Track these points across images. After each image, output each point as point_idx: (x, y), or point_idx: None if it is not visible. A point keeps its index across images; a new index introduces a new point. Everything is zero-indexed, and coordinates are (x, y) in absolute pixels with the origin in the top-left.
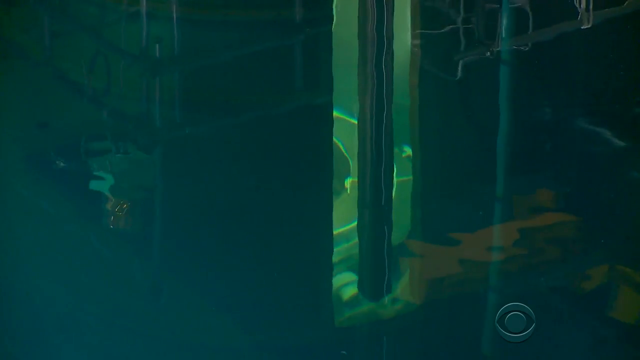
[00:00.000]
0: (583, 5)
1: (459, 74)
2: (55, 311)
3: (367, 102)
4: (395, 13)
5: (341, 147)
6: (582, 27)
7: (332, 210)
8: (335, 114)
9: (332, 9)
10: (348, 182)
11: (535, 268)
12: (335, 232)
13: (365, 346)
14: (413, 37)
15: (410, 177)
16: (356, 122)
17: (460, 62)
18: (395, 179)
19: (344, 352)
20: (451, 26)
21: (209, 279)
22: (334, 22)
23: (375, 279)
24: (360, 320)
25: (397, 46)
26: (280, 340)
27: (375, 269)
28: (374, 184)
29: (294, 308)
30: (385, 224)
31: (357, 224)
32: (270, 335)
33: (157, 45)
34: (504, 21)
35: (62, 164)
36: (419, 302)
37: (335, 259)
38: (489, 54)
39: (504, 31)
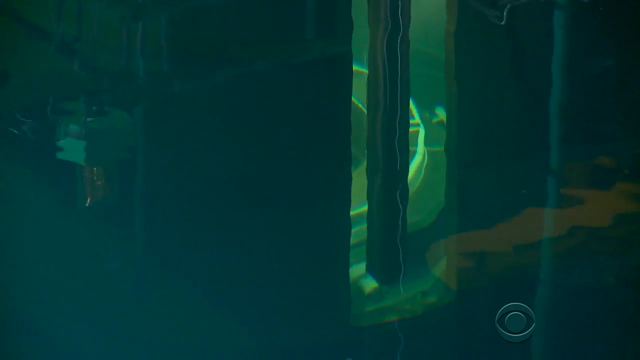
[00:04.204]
0: None
1: (505, 19)
2: (18, 295)
3: (378, 49)
4: None
5: (361, 106)
6: None
7: (350, 184)
8: (355, 67)
9: None
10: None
11: (593, 253)
12: (353, 212)
13: (391, 347)
14: None
15: (443, 147)
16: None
17: (508, 6)
18: (425, 149)
19: (349, 359)
20: None
21: (203, 267)
22: None
23: (386, 258)
24: (385, 316)
25: None
26: (290, 339)
27: (387, 246)
28: (387, 147)
29: (304, 301)
30: (400, 195)
31: (367, 194)
32: (279, 333)
33: None
34: None
35: (25, 126)
36: (454, 295)
37: (354, 242)
38: None
39: None
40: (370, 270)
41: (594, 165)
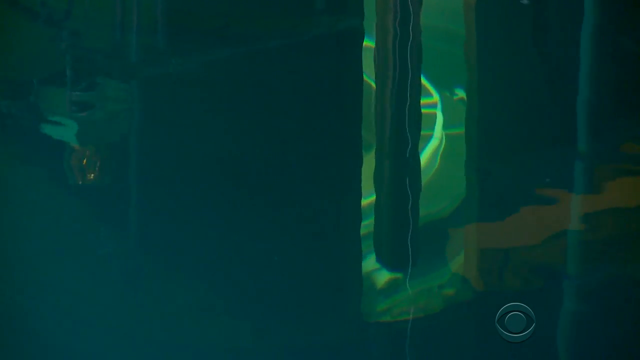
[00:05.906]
0: None
1: None
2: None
3: (387, 19)
4: None
5: (373, 84)
6: None
7: (361, 170)
8: (366, 43)
9: None
10: None
11: (624, 245)
12: (364, 201)
13: (405, 345)
14: None
15: (463, 130)
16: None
17: None
18: (442, 132)
19: None
20: None
21: (203, 261)
22: None
23: (395, 244)
24: (399, 312)
25: None
26: (296, 337)
27: (396, 233)
28: (396, 129)
29: (312, 297)
30: (410, 180)
31: (374, 179)
32: (284, 331)
33: None
34: None
35: (9, 107)
36: (474, 289)
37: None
38: None
39: None
40: (379, 259)
41: (624, 150)
